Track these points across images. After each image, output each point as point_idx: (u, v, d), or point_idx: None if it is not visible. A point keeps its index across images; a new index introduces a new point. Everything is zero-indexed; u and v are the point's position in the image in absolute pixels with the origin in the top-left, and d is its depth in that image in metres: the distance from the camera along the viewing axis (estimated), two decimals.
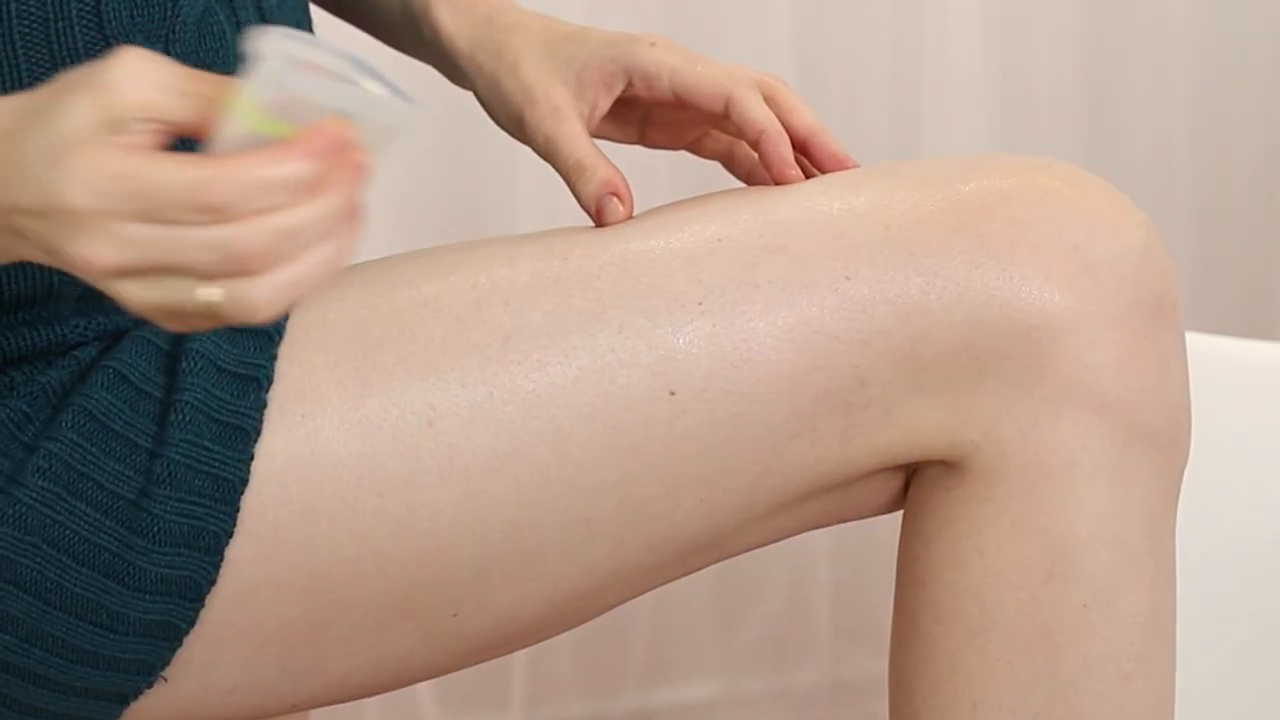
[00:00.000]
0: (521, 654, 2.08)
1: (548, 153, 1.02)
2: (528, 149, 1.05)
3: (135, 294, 0.72)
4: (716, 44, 2.05)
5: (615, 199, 0.97)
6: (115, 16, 0.89)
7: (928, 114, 2.13)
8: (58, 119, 0.71)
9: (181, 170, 0.70)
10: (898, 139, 2.14)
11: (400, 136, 0.74)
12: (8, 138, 0.74)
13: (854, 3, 2.11)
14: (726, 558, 0.98)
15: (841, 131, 2.10)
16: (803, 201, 0.93)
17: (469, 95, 1.11)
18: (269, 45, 0.70)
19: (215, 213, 0.70)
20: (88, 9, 0.89)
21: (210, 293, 0.71)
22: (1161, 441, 0.92)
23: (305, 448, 0.88)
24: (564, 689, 2.14)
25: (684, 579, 1.00)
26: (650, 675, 2.17)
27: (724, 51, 2.04)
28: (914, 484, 0.96)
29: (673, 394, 0.89)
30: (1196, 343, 1.34)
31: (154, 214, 0.70)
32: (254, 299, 0.71)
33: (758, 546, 0.98)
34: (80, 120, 0.71)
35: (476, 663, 0.97)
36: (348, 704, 0.99)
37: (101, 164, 0.71)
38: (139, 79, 0.72)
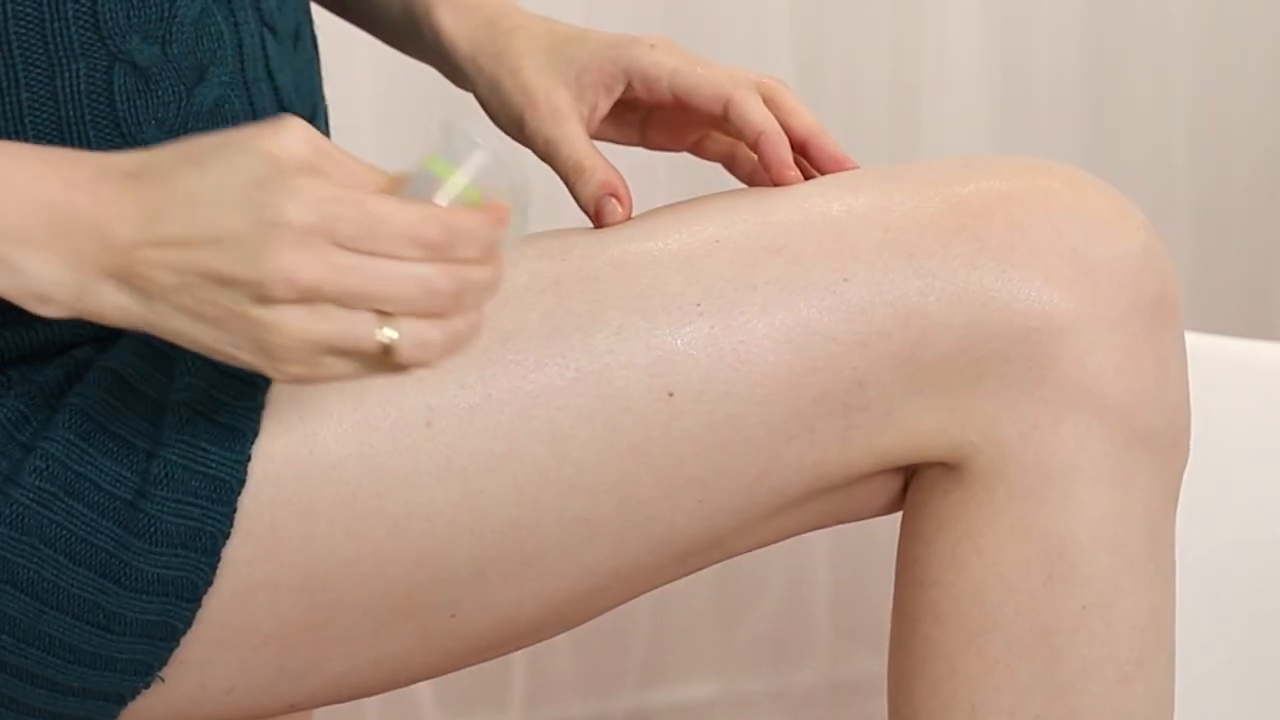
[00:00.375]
0: (521, 654, 2.08)
1: (547, 154, 1.03)
2: (527, 151, 1.05)
3: (298, 322, 0.77)
4: (716, 44, 2.05)
5: (614, 200, 0.98)
6: (111, 17, 0.89)
7: (928, 114, 2.13)
8: (255, 154, 0.78)
9: (403, 205, 0.78)
10: (898, 139, 2.14)
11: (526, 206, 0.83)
12: (132, 179, 0.79)
13: (854, 3, 2.11)
14: (726, 558, 0.98)
15: (841, 132, 2.10)
16: (801, 203, 0.93)
17: (468, 96, 1.11)
18: (468, 132, 0.81)
19: (428, 249, 0.77)
20: (84, 10, 0.89)
21: (389, 333, 0.78)
22: (1161, 444, 0.92)
23: (303, 449, 0.88)
24: (564, 689, 2.14)
25: (683, 579, 1.00)
26: (649, 675, 2.17)
27: (724, 52, 2.04)
28: (913, 486, 0.96)
29: (671, 395, 0.89)
30: (1196, 343, 1.34)
31: (370, 240, 0.77)
32: (432, 341, 0.78)
33: (757, 547, 0.98)
34: (293, 151, 0.78)
35: (474, 663, 0.97)
36: (347, 704, 0.99)
37: (324, 187, 0.78)
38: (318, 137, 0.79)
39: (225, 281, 0.78)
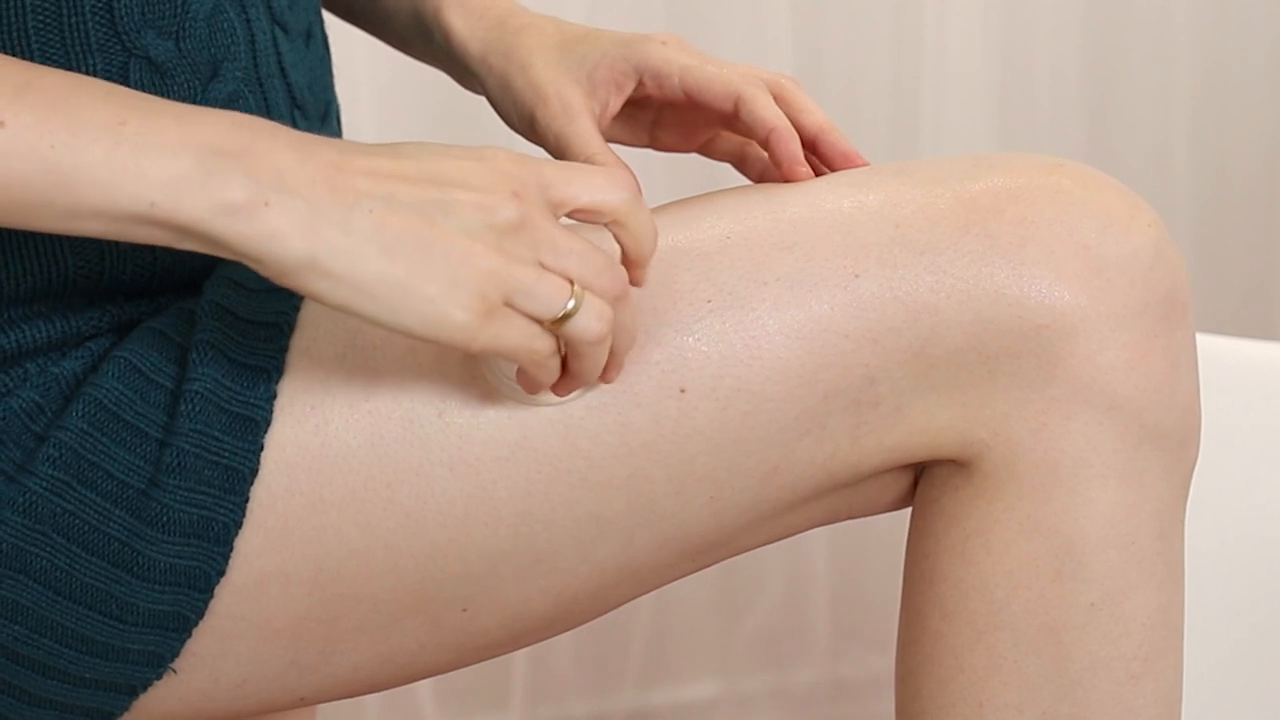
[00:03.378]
0: (521, 653, 2.08)
1: (559, 151, 1.03)
2: (533, 148, 1.05)
3: (502, 251, 0.81)
4: (716, 44, 2.05)
5: None
6: (127, 12, 0.90)
7: (928, 114, 2.13)
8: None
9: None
10: (898, 139, 2.14)
11: None
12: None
13: (854, 3, 2.11)
14: (735, 554, 0.98)
15: (842, 130, 2.10)
16: (812, 199, 0.93)
17: (474, 96, 1.11)
18: None
19: (623, 186, 0.85)
20: (100, 6, 0.89)
21: (571, 303, 0.83)
22: (1171, 442, 0.92)
23: (314, 439, 0.88)
24: (564, 688, 2.14)
25: (684, 578, 1.00)
26: (650, 674, 2.17)
27: (724, 51, 2.04)
28: (923, 482, 0.96)
29: (683, 391, 0.89)
30: (1197, 343, 1.35)
31: (571, 173, 0.84)
32: (604, 318, 0.83)
33: (766, 543, 0.98)
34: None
35: (483, 659, 0.97)
36: (348, 702, 0.99)
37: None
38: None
39: (445, 203, 0.81)
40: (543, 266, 0.82)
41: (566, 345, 0.84)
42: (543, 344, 0.83)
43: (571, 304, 0.82)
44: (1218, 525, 1.35)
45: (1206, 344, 1.37)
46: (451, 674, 1.88)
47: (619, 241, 0.86)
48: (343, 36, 1.25)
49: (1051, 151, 2.17)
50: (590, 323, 0.83)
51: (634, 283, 0.87)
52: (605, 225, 0.85)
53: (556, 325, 0.83)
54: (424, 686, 2.07)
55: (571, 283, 0.83)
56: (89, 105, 0.79)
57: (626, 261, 0.86)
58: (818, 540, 2.14)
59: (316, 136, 0.82)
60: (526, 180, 0.82)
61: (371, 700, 2.03)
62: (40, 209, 0.79)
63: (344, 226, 0.80)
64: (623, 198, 0.84)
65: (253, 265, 0.80)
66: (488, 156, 0.83)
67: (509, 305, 0.82)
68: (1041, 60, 2.17)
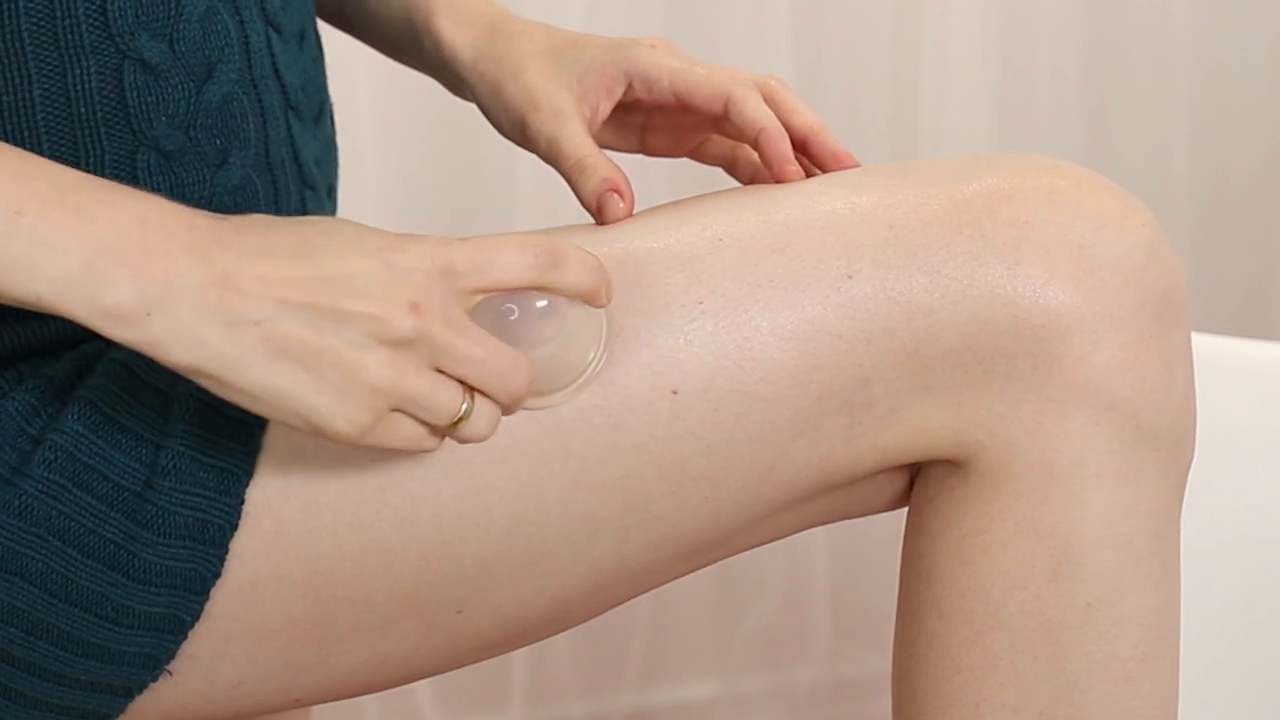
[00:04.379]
0: (521, 654, 2.08)
1: (550, 154, 1.03)
2: (526, 155, 1.05)
3: (394, 367, 0.81)
4: (716, 44, 2.05)
5: (616, 195, 0.98)
6: (120, 15, 0.90)
7: (928, 114, 2.13)
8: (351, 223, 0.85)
9: (510, 235, 0.86)
10: (898, 139, 2.14)
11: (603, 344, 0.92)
12: (227, 221, 0.82)
13: (854, 3, 2.11)
14: (730, 555, 0.98)
15: (841, 131, 2.10)
16: (805, 200, 0.93)
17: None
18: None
19: (537, 254, 0.84)
20: (94, 8, 0.89)
21: (465, 406, 0.83)
22: (1167, 442, 0.92)
23: (309, 442, 0.88)
24: (564, 689, 2.14)
25: (683, 578, 1.00)
26: (649, 674, 2.17)
27: (724, 52, 2.04)
28: (919, 482, 0.96)
29: (675, 393, 0.89)
30: (1196, 343, 1.35)
31: (484, 255, 0.84)
32: (491, 422, 0.84)
33: (762, 544, 0.98)
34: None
35: (479, 660, 0.97)
36: (347, 703, 0.99)
37: (434, 237, 0.85)
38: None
39: (338, 314, 0.80)
40: (438, 371, 0.82)
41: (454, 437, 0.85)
42: (429, 444, 0.84)
43: (464, 407, 0.83)
44: (1218, 525, 1.35)
45: (1206, 344, 1.37)
46: (451, 674, 1.88)
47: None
48: (342, 39, 1.25)
49: (1051, 152, 2.17)
50: (479, 429, 0.84)
51: (598, 307, 0.87)
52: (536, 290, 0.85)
53: (447, 428, 0.83)
54: (423, 687, 2.07)
55: (466, 386, 0.83)
56: None
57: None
58: (818, 540, 2.14)
59: (222, 228, 0.81)
60: (430, 284, 0.82)
61: (370, 700, 2.04)
62: None
63: (229, 338, 0.80)
64: (535, 268, 0.84)
65: None
66: (394, 257, 0.82)
67: (398, 410, 0.82)
68: (1041, 60, 2.17)
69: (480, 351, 0.82)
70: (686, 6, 2.06)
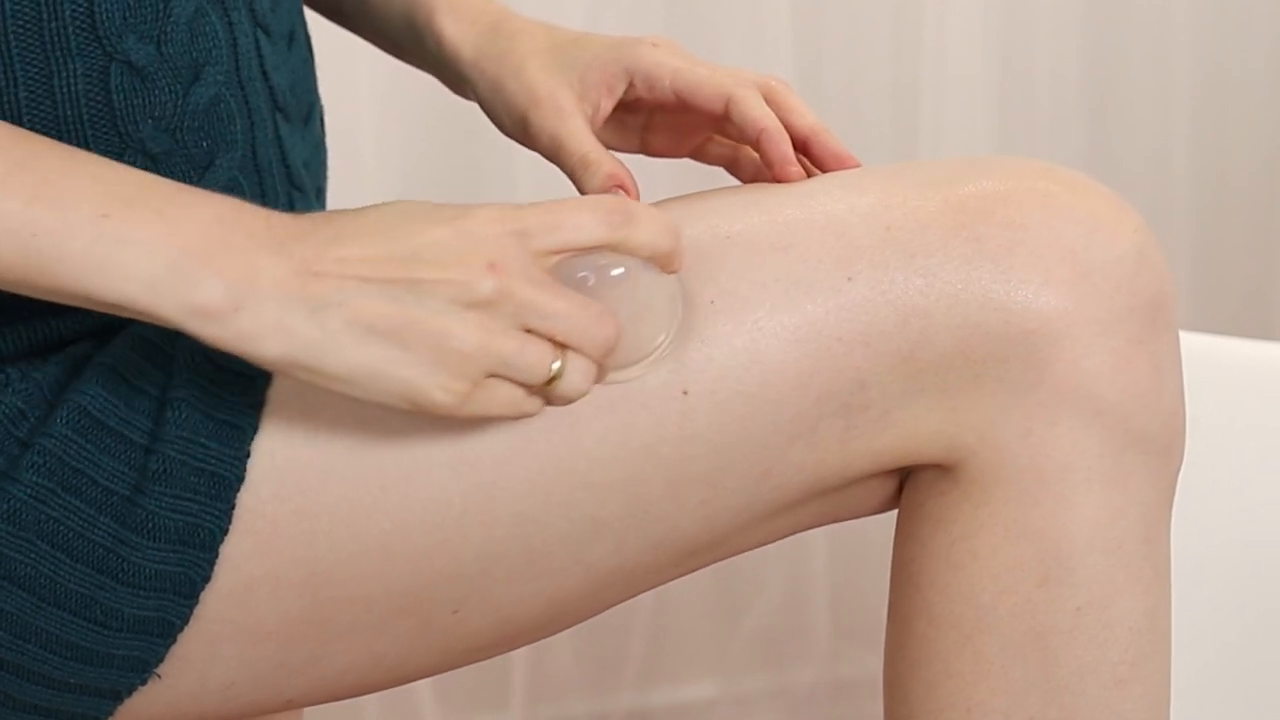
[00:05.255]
0: (521, 653, 2.08)
1: (552, 151, 1.03)
2: (526, 152, 1.05)
3: (483, 330, 0.81)
4: (716, 44, 2.05)
5: (621, 191, 0.98)
6: (108, 17, 0.90)
7: (928, 114, 2.13)
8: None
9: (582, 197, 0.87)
10: (898, 139, 2.14)
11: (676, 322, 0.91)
12: (299, 217, 0.83)
13: (854, 3, 2.11)
14: (722, 559, 0.98)
15: (841, 131, 2.09)
16: (806, 201, 0.93)
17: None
18: None
19: (609, 212, 0.85)
20: (80, 10, 0.89)
21: (557, 365, 0.83)
22: (1157, 446, 0.92)
23: (304, 445, 0.88)
24: (564, 688, 2.14)
25: (683, 578, 1.00)
26: (649, 674, 2.17)
27: (724, 52, 2.04)
28: (909, 487, 0.96)
29: (685, 393, 0.89)
30: (1196, 343, 1.35)
31: (556, 216, 0.84)
32: (588, 378, 0.84)
33: (752, 548, 0.98)
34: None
35: (474, 661, 0.97)
36: (346, 703, 0.99)
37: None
38: None
39: (418, 284, 0.81)
40: (528, 331, 0.82)
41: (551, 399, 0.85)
42: (530, 405, 0.84)
43: (557, 366, 0.83)
44: (1217, 526, 1.34)
45: (1206, 344, 1.37)
46: (451, 674, 1.88)
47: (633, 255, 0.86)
48: (343, 38, 1.25)
49: (1051, 153, 2.17)
50: (575, 384, 0.84)
51: (670, 272, 0.87)
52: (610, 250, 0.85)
53: (543, 388, 0.83)
54: (423, 686, 2.07)
55: (558, 344, 0.83)
56: (77, 193, 0.81)
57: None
58: (818, 540, 2.14)
59: (298, 222, 0.83)
60: (505, 245, 0.82)
61: (371, 700, 2.04)
62: (23, 287, 0.81)
63: (315, 323, 0.81)
64: (608, 226, 0.84)
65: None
66: (467, 224, 0.83)
67: (494, 375, 0.82)
68: (1041, 62, 2.17)
69: (564, 305, 0.82)
70: (686, 6, 2.06)
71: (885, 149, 2.13)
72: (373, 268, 0.81)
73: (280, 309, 0.80)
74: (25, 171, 0.81)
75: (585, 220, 0.84)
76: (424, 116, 1.97)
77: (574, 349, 0.83)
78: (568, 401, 0.85)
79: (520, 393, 0.83)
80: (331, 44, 1.31)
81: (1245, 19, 2.22)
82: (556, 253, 0.84)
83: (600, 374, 0.85)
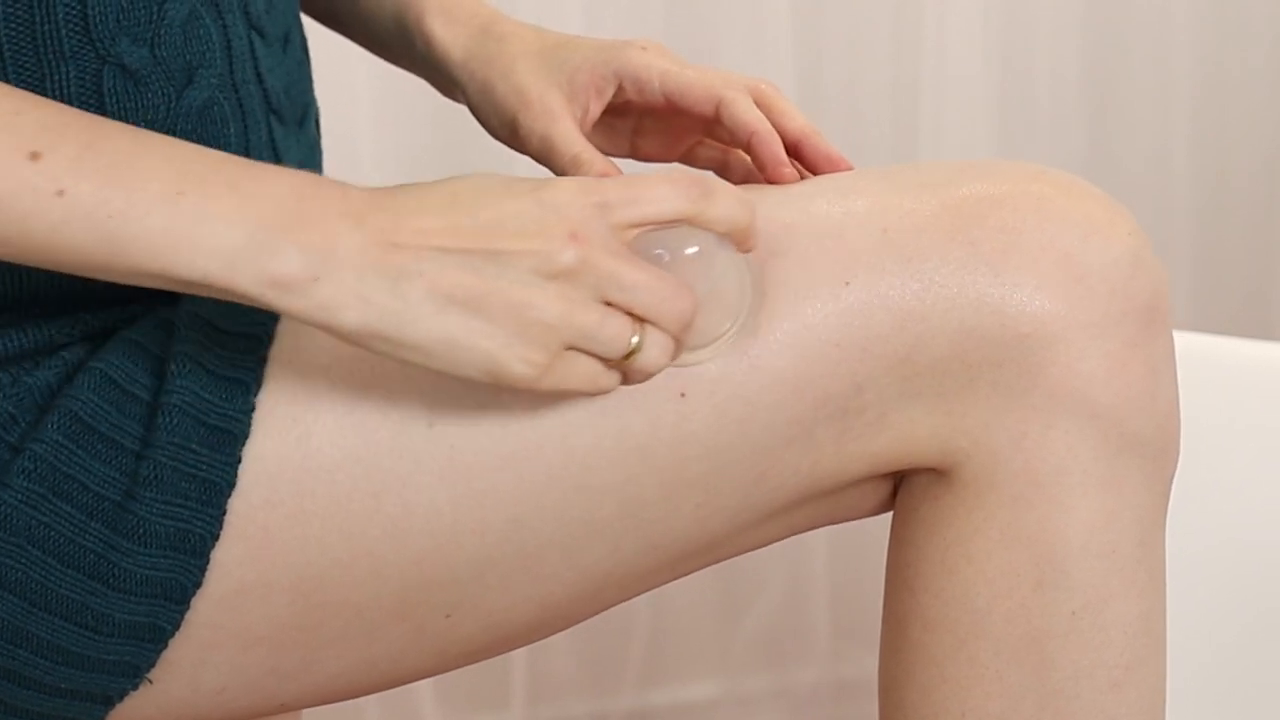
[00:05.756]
0: (521, 653, 2.08)
1: (543, 153, 1.03)
2: (515, 156, 1.05)
3: (564, 301, 0.81)
4: (716, 44, 2.05)
5: None
6: (101, 19, 0.89)
7: (928, 114, 2.13)
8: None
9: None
10: (898, 139, 2.14)
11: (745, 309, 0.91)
12: (374, 190, 0.83)
13: (854, 3, 2.11)
14: (715, 562, 0.98)
15: (841, 131, 2.10)
16: (802, 205, 0.93)
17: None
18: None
19: (687, 186, 0.84)
20: (74, 12, 0.89)
21: (636, 339, 0.83)
22: (1152, 450, 0.92)
23: (296, 451, 0.88)
24: (564, 688, 2.14)
25: (683, 579, 1.00)
26: (650, 675, 2.17)
27: (724, 52, 2.04)
28: (903, 490, 0.96)
29: (683, 396, 0.89)
30: (1196, 343, 1.35)
31: (634, 189, 0.84)
32: (666, 353, 0.84)
33: (747, 551, 0.98)
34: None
35: (467, 664, 0.97)
36: (347, 704, 0.99)
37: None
38: None
39: (499, 255, 0.81)
40: (607, 304, 0.82)
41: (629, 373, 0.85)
42: (607, 381, 0.84)
43: (635, 340, 0.83)
44: (1217, 526, 1.34)
45: (1206, 344, 1.37)
46: (451, 674, 1.88)
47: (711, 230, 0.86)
48: (341, 40, 1.25)
49: (1052, 153, 2.17)
50: (653, 358, 0.84)
51: (745, 250, 0.87)
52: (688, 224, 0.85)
53: (621, 362, 0.83)
54: (423, 686, 2.07)
55: (636, 318, 0.83)
56: (148, 172, 0.80)
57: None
58: (818, 540, 2.14)
59: (374, 194, 0.82)
60: (586, 217, 0.82)
61: (370, 700, 2.04)
62: (98, 270, 0.81)
63: (396, 293, 0.80)
64: (687, 199, 0.84)
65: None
66: (547, 195, 0.82)
67: (572, 348, 0.82)
68: (1041, 62, 2.17)
69: (645, 278, 0.82)
70: (686, 7, 2.05)
71: (885, 149, 2.12)
72: (452, 238, 0.81)
73: (359, 279, 0.80)
74: (96, 153, 0.80)
75: (665, 192, 0.84)
76: (421, 120, 1.97)
77: (652, 323, 0.83)
78: (645, 376, 0.84)
79: (598, 366, 0.83)
80: (329, 46, 1.31)
81: (1245, 19, 2.22)
82: (636, 226, 0.84)
83: (678, 350, 0.85)
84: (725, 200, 0.85)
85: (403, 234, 0.81)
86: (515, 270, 0.81)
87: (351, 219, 0.81)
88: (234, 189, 0.80)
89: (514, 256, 0.81)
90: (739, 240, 0.86)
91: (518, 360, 0.81)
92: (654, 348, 0.83)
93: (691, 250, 0.85)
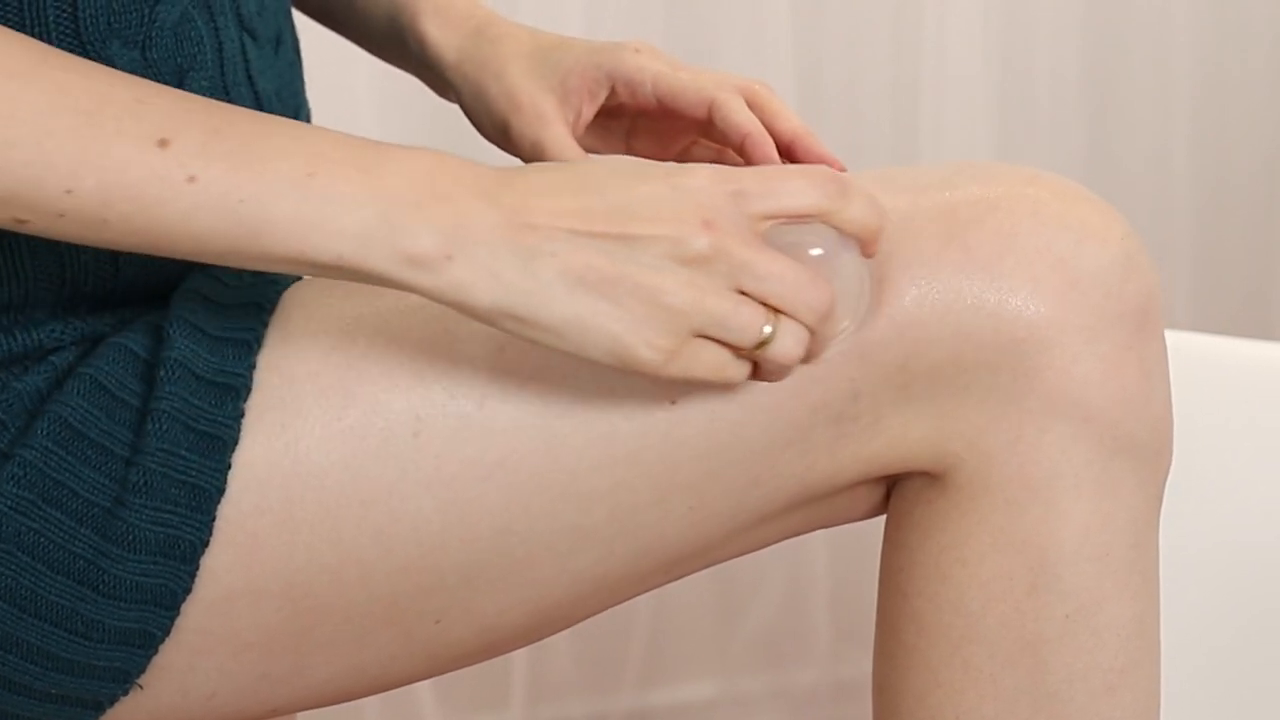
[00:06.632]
0: (521, 653, 2.08)
1: (534, 157, 1.03)
2: (507, 158, 1.05)
3: (694, 288, 0.81)
4: (716, 44, 2.05)
5: None
6: (92, 22, 0.89)
7: (927, 116, 2.13)
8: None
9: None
10: (898, 139, 2.14)
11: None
12: (507, 169, 0.82)
13: (854, 3, 2.11)
14: (710, 566, 0.98)
15: (841, 131, 2.10)
16: None
17: None
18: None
19: (823, 181, 0.83)
20: (64, 15, 0.88)
21: (769, 328, 0.82)
22: (1145, 453, 0.92)
23: (285, 457, 0.88)
24: (564, 688, 2.14)
25: (683, 579, 1.00)
26: (649, 675, 2.17)
27: (724, 53, 2.04)
28: (896, 495, 0.96)
29: (673, 404, 0.89)
30: (1196, 343, 1.35)
31: (768, 181, 0.83)
32: (799, 345, 0.83)
33: (740, 555, 0.98)
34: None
35: (458, 668, 0.97)
36: (347, 704, 1.00)
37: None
38: None
39: (631, 239, 0.80)
40: (740, 293, 0.82)
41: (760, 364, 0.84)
42: (735, 371, 0.84)
43: (768, 330, 0.82)
44: (1216, 526, 1.34)
45: (1206, 344, 1.37)
46: (451, 674, 1.88)
47: (839, 230, 0.85)
48: (340, 42, 1.25)
49: (1052, 153, 2.17)
50: (788, 348, 0.83)
51: (867, 255, 0.86)
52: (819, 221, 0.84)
53: (752, 352, 0.83)
54: (423, 686, 2.07)
55: (769, 307, 0.82)
56: (277, 154, 0.80)
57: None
58: (817, 541, 2.14)
59: (505, 173, 0.82)
60: (720, 204, 0.81)
61: (370, 700, 2.04)
62: (229, 256, 0.81)
63: (528, 272, 0.80)
64: (824, 195, 0.83)
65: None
66: (682, 180, 0.82)
67: (701, 335, 0.82)
68: (1041, 62, 2.17)
69: (780, 268, 0.81)
70: (686, 7, 2.05)
71: (885, 149, 2.12)
72: (585, 220, 0.81)
73: (493, 257, 0.80)
74: (223, 138, 0.80)
75: (801, 186, 0.83)
76: (421, 120, 1.97)
77: (787, 313, 0.83)
78: (779, 368, 0.84)
79: (727, 355, 0.83)
80: (330, 46, 1.30)
81: (1245, 19, 2.22)
82: (770, 217, 0.83)
83: (815, 342, 0.84)
84: (859, 201, 0.84)
85: (536, 214, 0.80)
86: (647, 255, 0.81)
87: (485, 197, 0.81)
88: (364, 169, 0.80)
89: (646, 241, 0.80)
90: (867, 243, 0.86)
91: (644, 345, 0.81)
92: (788, 337, 0.83)
93: (815, 252, 0.84)
